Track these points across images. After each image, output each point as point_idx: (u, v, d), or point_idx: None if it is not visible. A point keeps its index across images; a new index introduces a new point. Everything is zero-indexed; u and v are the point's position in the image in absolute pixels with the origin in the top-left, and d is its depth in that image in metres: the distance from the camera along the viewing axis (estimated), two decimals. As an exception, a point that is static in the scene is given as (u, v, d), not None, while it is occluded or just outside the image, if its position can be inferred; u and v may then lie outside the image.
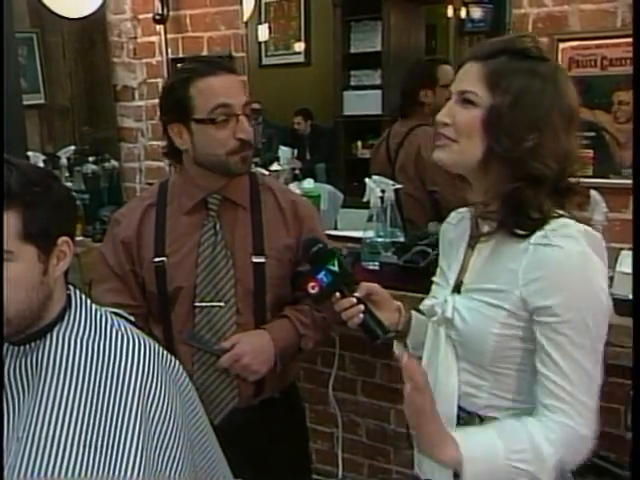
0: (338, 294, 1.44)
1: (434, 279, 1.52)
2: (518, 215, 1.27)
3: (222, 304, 1.80)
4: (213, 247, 1.82)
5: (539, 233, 1.23)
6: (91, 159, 3.24)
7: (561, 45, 2.27)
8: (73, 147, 3.32)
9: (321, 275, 1.44)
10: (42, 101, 3.45)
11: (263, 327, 1.83)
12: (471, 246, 1.40)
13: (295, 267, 1.89)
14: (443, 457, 1.21)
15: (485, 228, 1.35)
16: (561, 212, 1.26)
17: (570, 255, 1.20)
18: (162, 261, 1.82)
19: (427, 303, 1.48)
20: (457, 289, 1.40)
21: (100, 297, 1.84)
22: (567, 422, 1.20)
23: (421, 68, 3.07)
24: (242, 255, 1.83)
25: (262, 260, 1.83)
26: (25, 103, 3.12)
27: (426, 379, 1.21)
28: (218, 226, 1.83)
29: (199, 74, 1.75)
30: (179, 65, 1.89)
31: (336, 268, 1.44)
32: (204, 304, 1.81)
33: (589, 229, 1.25)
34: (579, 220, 1.26)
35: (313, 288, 1.44)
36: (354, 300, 1.43)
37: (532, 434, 1.21)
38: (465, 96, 1.29)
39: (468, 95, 1.28)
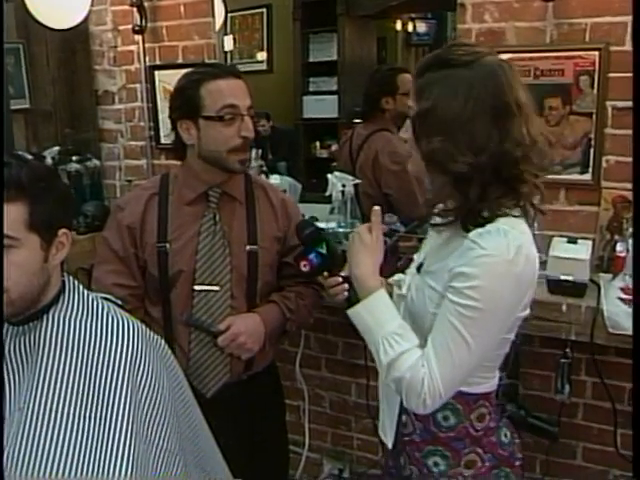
0: (326, 273, 1.48)
1: (414, 257, 1.54)
2: (467, 210, 1.26)
3: (218, 288, 1.81)
4: (212, 236, 1.82)
5: (479, 230, 1.22)
6: (74, 158, 3.18)
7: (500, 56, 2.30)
8: (57, 148, 3.25)
9: (312, 256, 1.47)
10: (27, 106, 3.37)
11: (254, 310, 1.85)
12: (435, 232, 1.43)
13: (281, 257, 1.92)
14: (365, 284, 1.34)
15: (439, 220, 1.37)
16: (508, 211, 1.24)
17: (494, 257, 1.18)
18: (164, 246, 1.81)
19: (395, 279, 1.51)
20: (418, 270, 1.42)
21: (102, 277, 1.84)
22: (424, 370, 1.22)
23: (382, 76, 3.00)
24: (238, 244, 1.84)
25: (255, 249, 1.85)
26: (12, 108, 3.08)
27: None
28: (217, 217, 1.84)
29: (210, 77, 1.75)
30: (186, 70, 1.85)
31: (324, 251, 1.47)
32: (202, 287, 1.81)
33: (523, 232, 1.23)
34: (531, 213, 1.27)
35: (305, 267, 1.48)
36: (339, 279, 1.46)
37: (405, 354, 1.25)
38: (409, 112, 1.31)
39: (409, 111, 1.31)
